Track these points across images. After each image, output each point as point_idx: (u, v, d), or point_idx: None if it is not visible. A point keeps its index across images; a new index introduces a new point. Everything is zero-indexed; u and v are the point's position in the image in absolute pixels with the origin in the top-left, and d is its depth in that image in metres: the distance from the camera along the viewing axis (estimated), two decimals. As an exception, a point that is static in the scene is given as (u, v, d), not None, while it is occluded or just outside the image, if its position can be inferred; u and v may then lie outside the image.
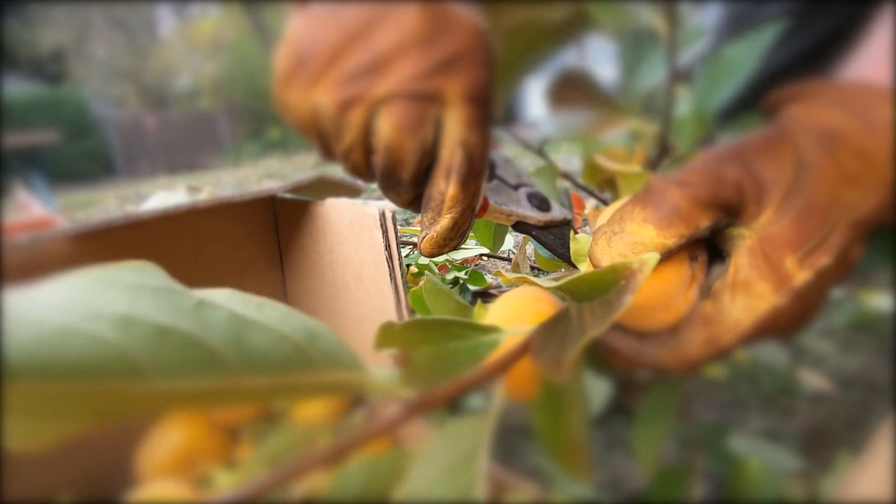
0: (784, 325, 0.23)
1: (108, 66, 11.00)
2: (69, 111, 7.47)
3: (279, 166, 4.32)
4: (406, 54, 0.24)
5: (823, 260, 0.22)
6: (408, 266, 0.67)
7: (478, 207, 0.28)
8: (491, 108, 0.27)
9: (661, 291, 0.24)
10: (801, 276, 0.22)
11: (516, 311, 0.28)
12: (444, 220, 0.27)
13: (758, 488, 0.32)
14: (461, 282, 0.64)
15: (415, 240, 0.73)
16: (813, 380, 0.45)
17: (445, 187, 0.26)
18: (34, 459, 0.30)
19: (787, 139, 0.23)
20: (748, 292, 0.22)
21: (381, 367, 0.23)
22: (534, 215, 0.31)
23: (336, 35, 0.25)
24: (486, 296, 0.66)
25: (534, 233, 0.32)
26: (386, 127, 0.25)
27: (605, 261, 0.24)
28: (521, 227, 0.32)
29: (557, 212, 0.32)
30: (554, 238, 0.32)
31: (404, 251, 0.71)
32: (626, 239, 0.23)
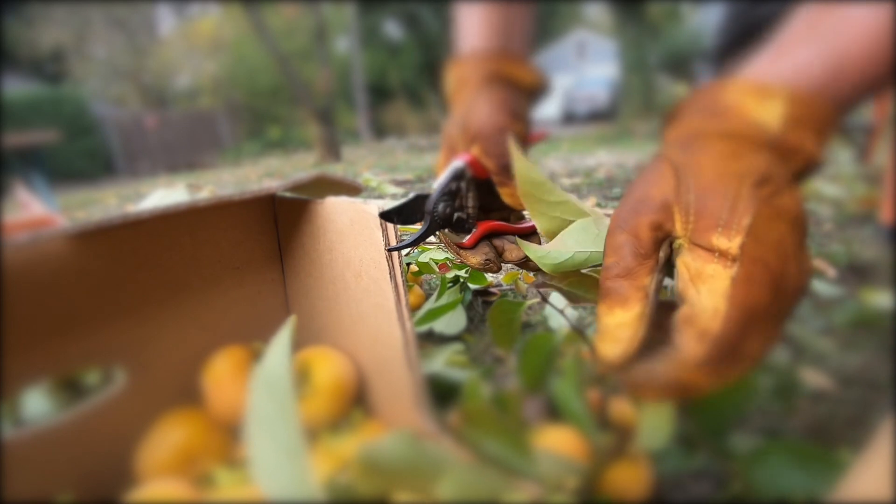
0: (765, 300, 0.24)
1: (108, 66, 10.99)
2: (69, 110, 7.47)
3: (279, 165, 4.32)
4: None
5: (745, 221, 0.24)
6: (407, 265, 0.67)
7: None
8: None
9: None
10: (733, 242, 0.24)
11: None
12: None
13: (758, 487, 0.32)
14: (461, 280, 0.64)
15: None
16: (814, 378, 0.45)
17: None
18: (34, 459, 0.30)
19: (662, 159, 0.28)
20: (704, 278, 0.25)
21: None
22: None
23: None
24: (486, 294, 0.66)
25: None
26: None
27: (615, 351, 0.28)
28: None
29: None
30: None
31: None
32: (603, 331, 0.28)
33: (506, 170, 0.37)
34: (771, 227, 0.25)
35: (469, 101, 0.41)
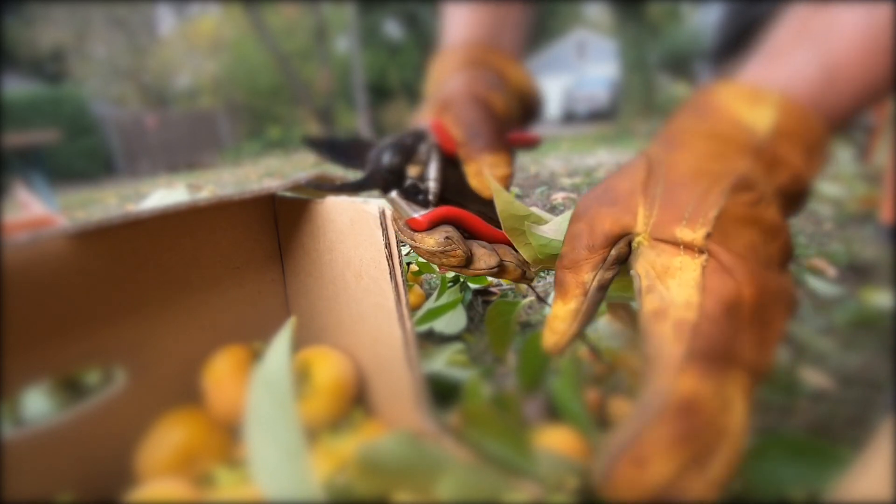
0: (747, 295, 0.22)
1: (108, 66, 10.99)
2: (69, 110, 7.46)
3: (279, 165, 4.31)
4: None
5: (711, 213, 0.23)
6: (408, 264, 0.67)
7: None
8: None
9: None
10: (697, 233, 0.23)
11: None
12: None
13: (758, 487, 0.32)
14: (461, 280, 0.64)
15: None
16: (814, 377, 0.45)
17: None
18: (34, 459, 0.30)
19: (641, 155, 0.27)
20: (672, 272, 0.23)
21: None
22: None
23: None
24: (486, 294, 0.66)
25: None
26: None
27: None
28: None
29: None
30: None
31: (404, 249, 0.71)
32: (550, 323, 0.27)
33: (474, 139, 0.33)
34: (742, 230, 0.23)
35: (445, 81, 0.38)
